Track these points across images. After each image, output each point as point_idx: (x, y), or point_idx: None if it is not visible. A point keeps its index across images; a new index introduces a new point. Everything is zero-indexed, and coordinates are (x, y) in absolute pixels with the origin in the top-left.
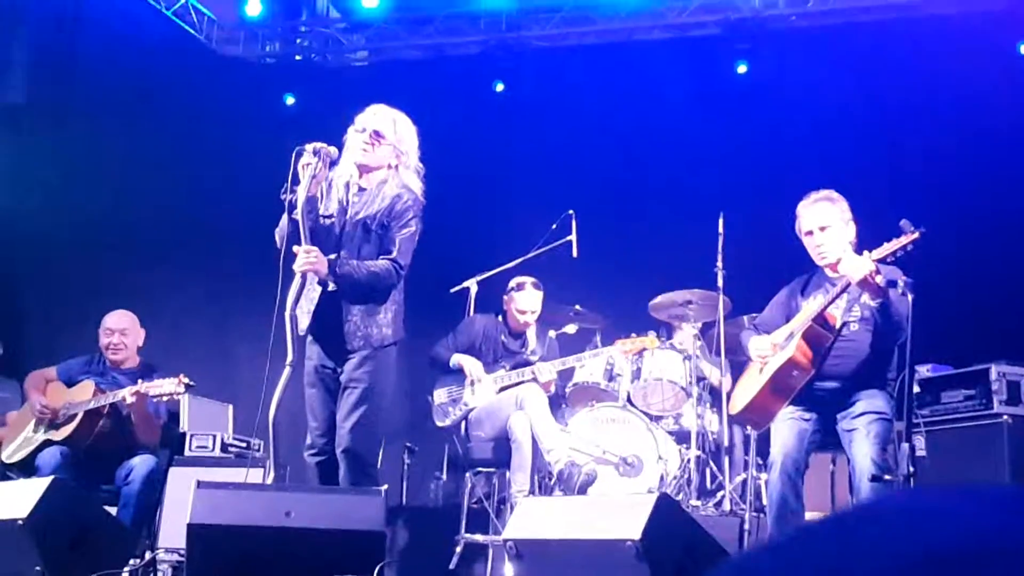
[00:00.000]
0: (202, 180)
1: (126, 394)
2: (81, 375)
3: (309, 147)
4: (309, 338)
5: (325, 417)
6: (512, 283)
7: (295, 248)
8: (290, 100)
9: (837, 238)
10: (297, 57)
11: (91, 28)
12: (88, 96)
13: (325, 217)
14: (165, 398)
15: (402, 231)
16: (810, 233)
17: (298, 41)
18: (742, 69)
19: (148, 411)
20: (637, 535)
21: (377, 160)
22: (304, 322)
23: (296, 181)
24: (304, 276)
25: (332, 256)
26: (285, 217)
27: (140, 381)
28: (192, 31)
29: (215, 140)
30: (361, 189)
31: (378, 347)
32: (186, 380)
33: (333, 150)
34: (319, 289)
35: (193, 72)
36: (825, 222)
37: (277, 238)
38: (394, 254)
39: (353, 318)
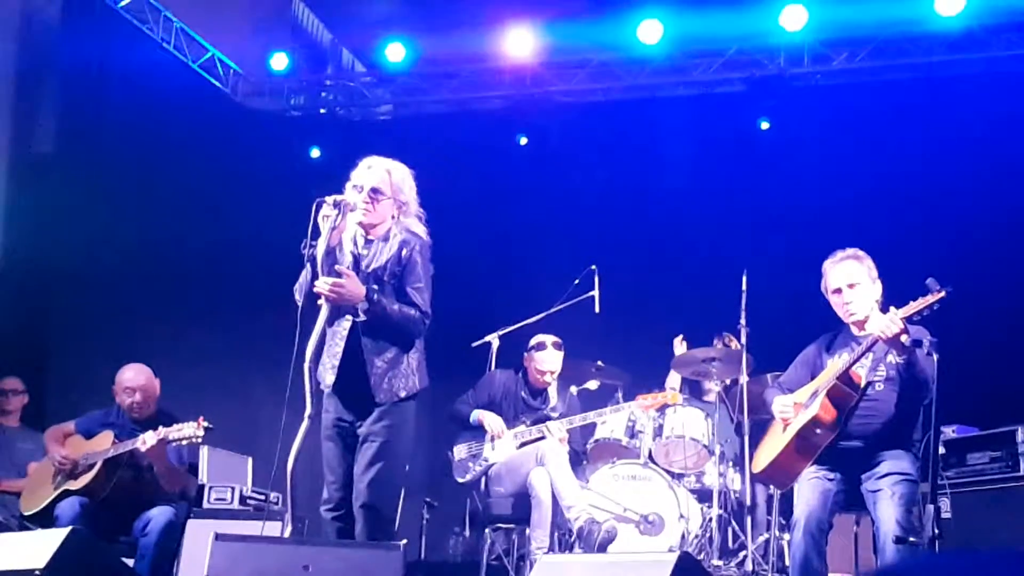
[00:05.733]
0: (226, 232)
1: (146, 439)
2: (99, 427)
3: (329, 199)
4: (327, 391)
5: (343, 471)
6: (533, 341)
7: (318, 281)
8: (315, 152)
9: (865, 296)
10: (322, 111)
11: (119, 80)
12: (115, 147)
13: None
14: (185, 442)
15: (417, 281)
16: (838, 291)
17: (323, 95)
18: (766, 126)
19: (168, 459)
20: None
21: (380, 216)
22: (329, 378)
23: (316, 233)
24: (324, 331)
25: (370, 288)
26: (306, 272)
27: (160, 428)
28: (218, 84)
29: (240, 192)
30: (368, 242)
31: (404, 398)
32: (205, 423)
33: (353, 201)
34: (342, 344)
35: (219, 124)
36: (853, 279)
37: (297, 294)
38: (418, 305)
39: (377, 370)
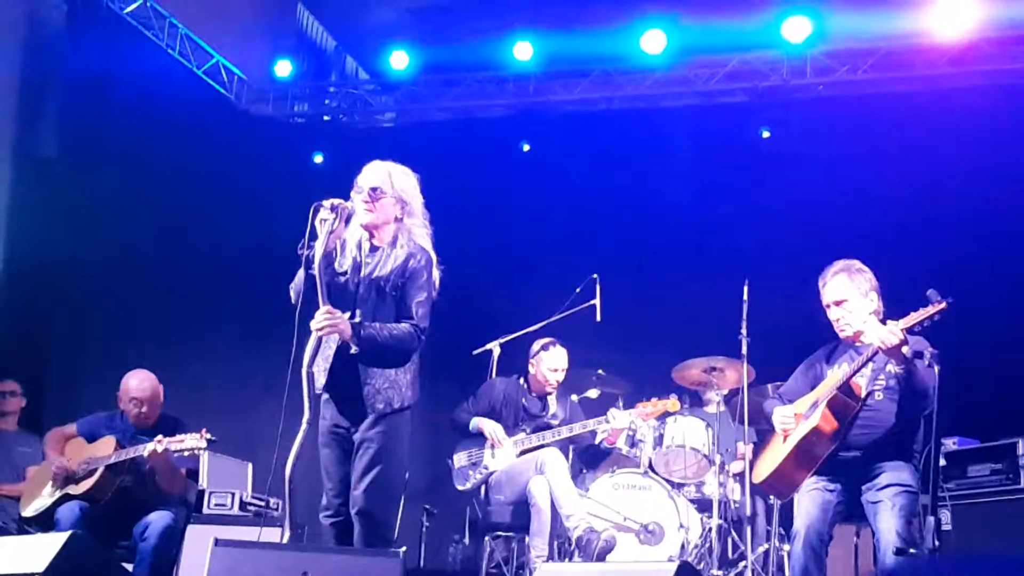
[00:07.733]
0: (228, 238)
1: (148, 450)
2: (102, 431)
3: (327, 203)
4: (324, 397)
5: (340, 478)
6: (536, 346)
7: (317, 313)
8: (319, 159)
9: (855, 311)
10: (325, 117)
11: (123, 85)
12: (118, 153)
13: (340, 275)
14: (186, 453)
15: (419, 295)
16: (828, 307)
17: (327, 102)
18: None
19: (171, 462)
20: None
21: (382, 216)
22: (320, 380)
23: (314, 237)
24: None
25: (355, 320)
26: (301, 272)
27: (161, 436)
28: (222, 90)
29: (242, 198)
30: (373, 248)
31: (398, 409)
32: (208, 435)
33: (351, 206)
34: (334, 347)
35: (222, 130)
36: (841, 296)
37: (292, 293)
38: (415, 320)
39: (373, 381)
